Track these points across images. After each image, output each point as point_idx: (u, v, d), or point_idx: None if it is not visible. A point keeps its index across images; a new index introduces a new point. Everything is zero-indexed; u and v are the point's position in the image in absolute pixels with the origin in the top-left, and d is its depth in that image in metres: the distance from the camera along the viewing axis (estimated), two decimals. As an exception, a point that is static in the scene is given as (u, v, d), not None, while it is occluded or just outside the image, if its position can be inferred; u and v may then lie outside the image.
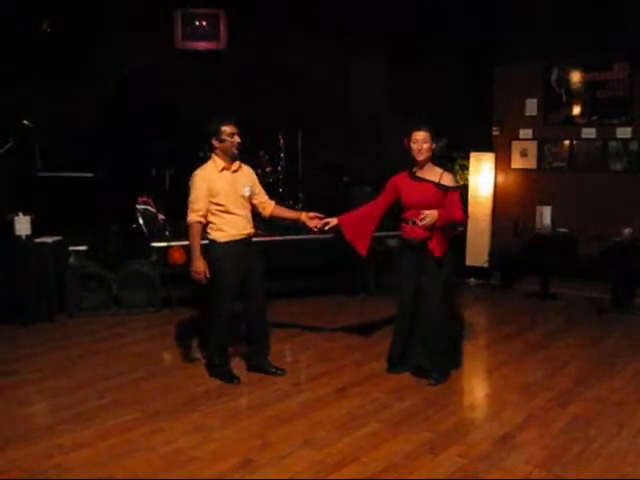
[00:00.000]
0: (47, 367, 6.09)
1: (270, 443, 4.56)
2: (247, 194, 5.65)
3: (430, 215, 5.33)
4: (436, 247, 5.46)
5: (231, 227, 5.54)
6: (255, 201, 5.82)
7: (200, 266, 5.47)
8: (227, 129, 5.50)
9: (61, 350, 6.62)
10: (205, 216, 5.51)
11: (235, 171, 5.62)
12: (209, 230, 5.57)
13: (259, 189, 5.88)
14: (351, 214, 6.00)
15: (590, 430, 4.76)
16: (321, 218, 5.89)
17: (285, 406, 5.21)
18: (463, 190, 5.92)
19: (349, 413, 5.06)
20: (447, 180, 5.53)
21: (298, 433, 4.72)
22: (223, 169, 5.54)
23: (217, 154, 5.57)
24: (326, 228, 5.91)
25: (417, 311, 5.67)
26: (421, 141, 5.51)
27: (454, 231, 5.53)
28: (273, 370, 5.90)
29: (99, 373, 5.93)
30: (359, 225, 5.90)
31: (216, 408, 5.17)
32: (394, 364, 5.88)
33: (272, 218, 6.12)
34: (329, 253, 8.55)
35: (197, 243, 5.49)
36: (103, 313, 7.82)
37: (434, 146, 5.57)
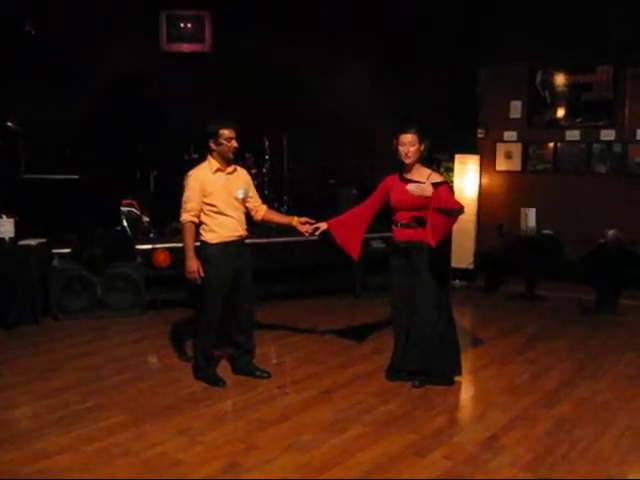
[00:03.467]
0: (31, 370, 6.05)
1: (255, 446, 4.54)
2: (241, 196, 5.65)
3: (423, 187, 5.25)
4: (430, 234, 5.26)
5: (223, 229, 5.54)
6: (248, 204, 5.82)
7: (193, 266, 5.46)
8: (226, 133, 5.51)
9: (45, 353, 6.59)
10: (198, 216, 5.51)
11: (230, 173, 5.63)
12: (201, 231, 5.57)
13: (253, 193, 5.88)
14: (341, 218, 6.00)
15: (575, 431, 4.78)
16: (312, 223, 5.91)
17: (270, 409, 5.20)
18: (451, 184, 5.84)
19: (334, 416, 5.05)
20: (435, 178, 5.49)
21: (283, 436, 4.70)
22: (217, 170, 5.55)
23: (213, 156, 5.58)
24: (316, 233, 5.93)
25: (410, 315, 5.65)
26: (408, 144, 5.48)
27: (451, 219, 5.34)
28: (258, 373, 5.89)
29: (83, 376, 5.89)
30: (349, 229, 5.89)
31: (201, 411, 5.15)
32: (396, 371, 5.80)
33: (264, 222, 6.12)
34: (315, 255, 8.54)
35: (190, 243, 5.49)
36: (88, 316, 7.78)
37: (422, 148, 5.54)
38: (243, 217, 5.73)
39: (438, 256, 5.53)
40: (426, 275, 5.49)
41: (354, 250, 5.93)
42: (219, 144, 5.51)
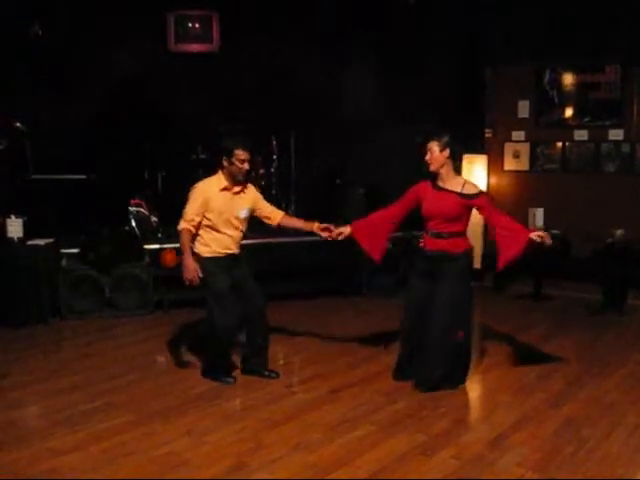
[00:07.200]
0: (39, 370, 6.07)
1: (263, 446, 4.55)
2: (243, 216, 5.69)
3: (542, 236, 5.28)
4: (501, 258, 5.36)
5: (217, 245, 5.61)
6: (260, 214, 5.90)
7: (191, 266, 5.48)
8: (240, 154, 5.52)
9: (53, 353, 6.62)
10: (196, 227, 5.56)
11: (236, 193, 5.65)
12: (196, 242, 5.63)
13: (261, 204, 5.91)
14: (365, 221, 5.90)
15: (583, 431, 4.77)
16: (333, 228, 5.84)
17: (278, 408, 5.21)
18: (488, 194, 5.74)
19: (342, 415, 5.06)
20: (470, 189, 5.44)
21: (291, 436, 4.71)
22: (224, 189, 5.58)
23: (223, 173, 5.61)
24: (340, 238, 5.85)
25: (426, 321, 5.55)
26: (428, 151, 5.44)
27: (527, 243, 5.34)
28: (267, 373, 5.90)
29: (91, 376, 5.91)
30: (374, 233, 5.81)
31: (209, 411, 5.16)
32: (400, 371, 5.79)
33: (280, 228, 6.12)
34: (322, 256, 8.54)
35: (187, 246, 5.53)
36: (95, 316, 7.81)
37: (447, 153, 5.41)
38: (240, 236, 5.77)
39: (466, 268, 5.54)
40: (451, 286, 5.43)
41: (377, 254, 5.84)
42: (231, 163, 5.53)
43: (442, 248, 5.46)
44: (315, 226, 5.91)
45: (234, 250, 5.70)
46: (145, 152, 9.58)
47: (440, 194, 5.46)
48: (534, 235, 5.29)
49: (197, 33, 10.33)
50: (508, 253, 5.34)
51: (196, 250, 5.61)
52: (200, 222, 5.55)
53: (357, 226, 5.86)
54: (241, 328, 5.87)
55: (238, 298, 5.67)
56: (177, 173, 9.09)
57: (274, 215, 5.95)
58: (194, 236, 5.60)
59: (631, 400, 5.37)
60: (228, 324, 5.61)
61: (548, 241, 5.25)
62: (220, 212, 5.54)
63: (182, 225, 5.54)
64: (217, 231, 5.57)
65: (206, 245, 5.60)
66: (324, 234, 5.88)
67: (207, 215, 5.53)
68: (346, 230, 5.82)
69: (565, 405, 5.27)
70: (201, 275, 5.50)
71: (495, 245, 5.42)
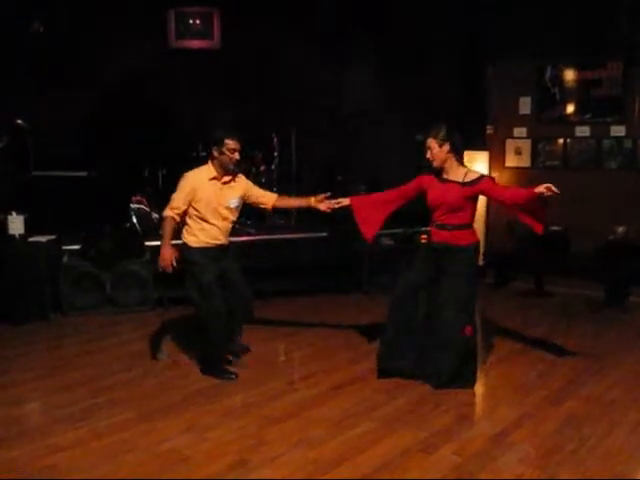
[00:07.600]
0: (41, 366, 6.07)
1: (264, 442, 4.55)
2: (233, 205, 5.71)
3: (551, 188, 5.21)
4: (535, 224, 5.47)
5: (204, 235, 5.62)
6: (254, 201, 5.92)
7: (167, 254, 5.52)
8: (230, 144, 5.53)
9: (55, 349, 6.61)
10: (180, 215, 5.58)
11: (226, 183, 5.66)
12: (184, 232, 5.67)
13: (253, 191, 5.93)
14: (365, 197, 6.03)
15: (583, 429, 4.77)
16: (329, 198, 5.89)
17: (279, 405, 5.21)
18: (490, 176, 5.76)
19: (343, 412, 5.06)
20: (471, 176, 5.48)
21: (292, 432, 4.71)
22: (214, 178, 5.59)
23: (213, 163, 5.62)
24: (336, 207, 5.87)
25: (431, 316, 5.58)
26: (429, 149, 5.49)
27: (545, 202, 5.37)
28: (237, 347, 6.04)
29: (93, 372, 5.91)
30: (371, 210, 5.84)
31: (210, 407, 5.16)
32: (384, 368, 5.76)
33: (277, 210, 6.13)
34: (323, 252, 8.54)
35: (168, 233, 5.57)
36: (97, 312, 7.79)
37: (447, 148, 5.45)
38: (229, 227, 5.79)
39: (469, 263, 5.55)
40: (454, 282, 5.45)
41: (369, 232, 5.87)
42: (221, 153, 5.54)
43: (445, 240, 5.50)
44: (312, 200, 5.93)
45: (222, 241, 5.72)
46: (146, 149, 9.58)
47: (445, 185, 5.50)
48: (540, 189, 5.23)
49: (198, 29, 10.34)
50: (539, 217, 5.45)
51: (184, 240, 5.65)
52: (186, 211, 5.57)
53: (356, 200, 5.91)
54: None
55: (224, 289, 5.67)
56: (178, 170, 9.06)
57: (267, 199, 5.96)
58: (183, 226, 5.63)
59: (632, 397, 5.37)
60: (217, 311, 5.59)
61: (555, 190, 5.20)
62: (208, 202, 5.55)
63: (167, 212, 5.58)
64: (206, 221, 5.58)
65: (194, 235, 5.62)
66: (323, 206, 5.89)
67: (195, 205, 5.55)
68: (345, 201, 5.87)
69: (566, 402, 5.27)
70: (175, 264, 5.53)
71: (522, 220, 5.53)
